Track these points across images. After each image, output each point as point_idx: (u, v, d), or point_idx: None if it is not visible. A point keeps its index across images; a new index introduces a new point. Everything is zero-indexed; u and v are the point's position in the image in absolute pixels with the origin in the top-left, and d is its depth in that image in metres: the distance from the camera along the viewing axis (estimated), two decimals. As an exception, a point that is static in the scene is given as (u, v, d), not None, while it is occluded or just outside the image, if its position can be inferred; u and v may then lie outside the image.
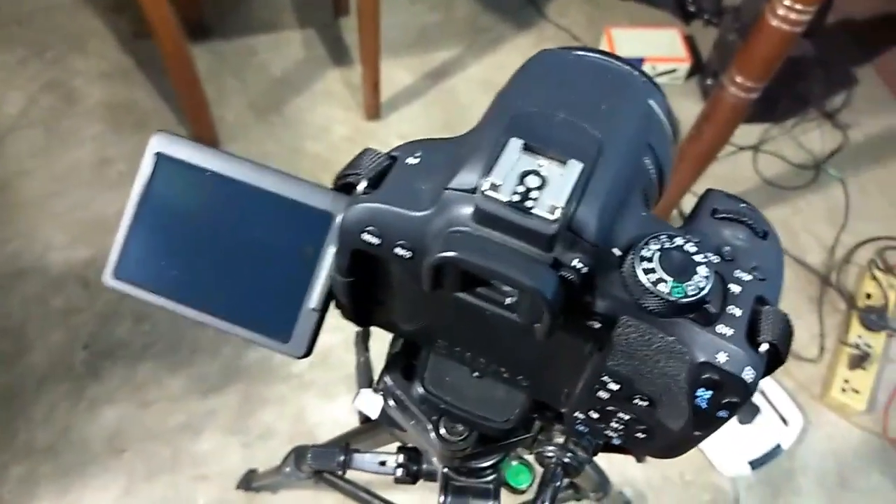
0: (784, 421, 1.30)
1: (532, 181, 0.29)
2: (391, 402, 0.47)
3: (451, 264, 0.30)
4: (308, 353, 0.37)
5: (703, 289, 0.30)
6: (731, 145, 1.63)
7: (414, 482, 0.56)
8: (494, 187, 0.29)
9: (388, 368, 0.46)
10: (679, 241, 0.31)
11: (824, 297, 1.48)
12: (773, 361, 0.31)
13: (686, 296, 0.29)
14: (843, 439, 1.33)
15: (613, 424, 0.36)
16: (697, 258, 0.30)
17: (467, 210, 0.30)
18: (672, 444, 0.36)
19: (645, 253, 0.30)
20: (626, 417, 0.35)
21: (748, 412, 1.29)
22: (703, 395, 0.31)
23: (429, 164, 0.33)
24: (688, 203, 1.53)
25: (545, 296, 0.29)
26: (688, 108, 1.30)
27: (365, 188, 0.34)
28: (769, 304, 0.32)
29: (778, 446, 1.28)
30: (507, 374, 0.40)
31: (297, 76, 1.72)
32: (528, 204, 0.29)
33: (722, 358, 0.30)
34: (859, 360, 1.37)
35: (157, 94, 1.62)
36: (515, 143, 0.30)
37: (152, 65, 1.66)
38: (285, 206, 0.37)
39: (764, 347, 0.30)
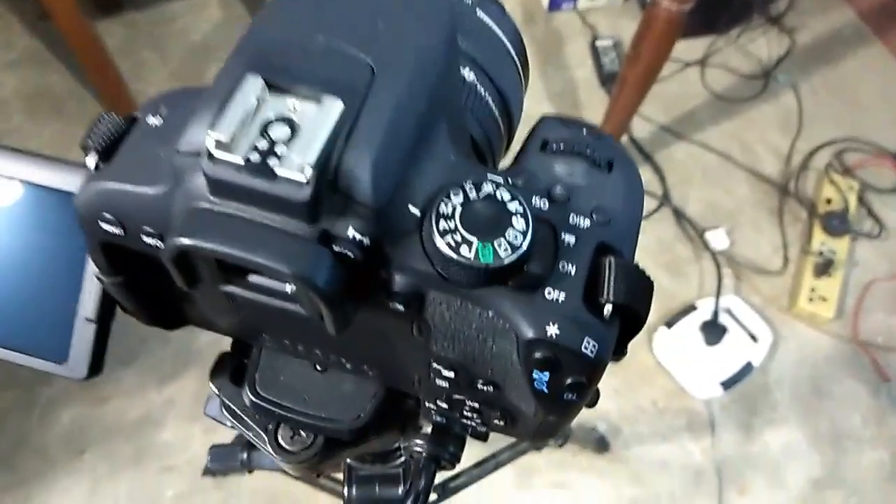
0: (753, 338, 1.28)
1: (279, 131, 0.23)
2: (225, 413, 0.40)
3: (195, 253, 0.24)
4: (93, 372, 0.32)
5: (518, 247, 0.24)
6: (677, 62, 1.57)
7: (318, 476, 0.51)
8: (222, 145, 0.23)
9: (214, 373, 0.39)
10: (488, 187, 0.25)
11: (784, 208, 1.45)
12: (630, 324, 0.26)
13: (497, 258, 0.24)
14: (814, 349, 1.32)
15: (466, 413, 0.31)
16: (512, 207, 0.25)
17: (201, 179, 0.24)
18: (541, 429, 0.30)
19: (443, 209, 0.25)
20: (476, 405, 0.30)
21: (714, 333, 1.27)
22: (540, 377, 0.26)
23: (173, 123, 0.27)
24: (638, 128, 1.49)
25: (313, 282, 0.23)
26: (633, 30, 1.25)
27: (96, 163, 0.27)
28: (615, 253, 0.26)
29: (749, 364, 1.26)
30: (349, 364, 0.34)
31: (218, 40, 1.64)
32: (271, 163, 0.23)
33: (552, 331, 0.24)
34: (824, 268, 1.35)
35: (71, 75, 1.54)
36: (253, 83, 0.24)
37: (63, 46, 1.57)
38: (30, 194, 0.30)
39: (608, 310, 0.25)
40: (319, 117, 0.23)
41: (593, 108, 1.54)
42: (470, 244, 0.24)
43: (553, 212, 0.26)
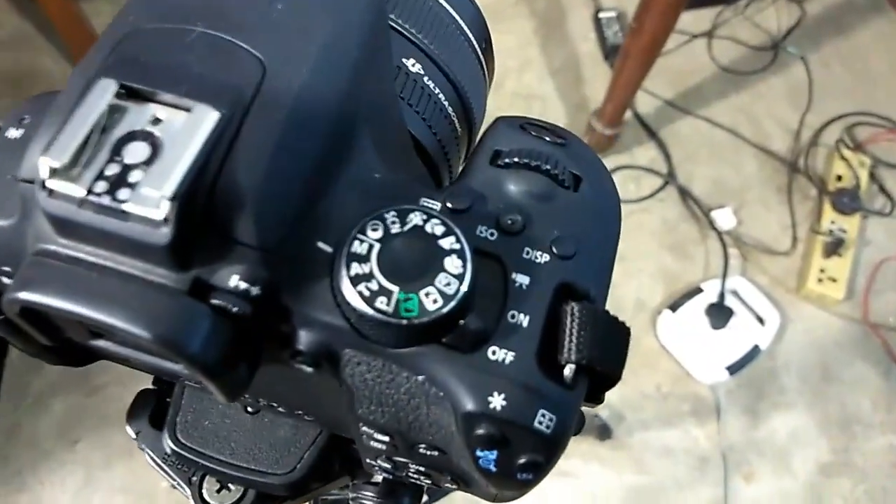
0: (760, 320, 1.25)
1: (136, 152, 0.19)
2: (148, 459, 0.35)
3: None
4: None
5: (452, 296, 0.20)
6: (683, 34, 1.52)
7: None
8: (58, 173, 0.18)
9: (132, 412, 0.35)
10: (416, 217, 0.20)
11: (793, 185, 1.40)
12: (600, 381, 0.21)
13: (423, 312, 0.19)
14: (823, 331, 1.28)
15: (413, 475, 0.27)
16: (446, 243, 0.20)
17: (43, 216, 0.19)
18: (503, 494, 0.25)
19: (356, 247, 0.20)
20: (421, 468, 0.26)
21: (721, 316, 1.23)
22: (486, 455, 0.21)
23: (30, 138, 0.22)
24: (642, 103, 1.44)
25: (182, 348, 0.18)
26: (637, 1, 1.20)
27: None
28: (580, 295, 0.21)
29: (756, 347, 1.23)
30: (281, 408, 0.29)
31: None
32: (121, 195, 0.18)
33: (497, 402, 0.20)
34: (834, 247, 1.30)
35: (61, 57, 1.50)
36: (103, 88, 0.19)
37: (52, 27, 1.53)
38: None
39: (570, 372, 0.20)
40: (186, 132, 0.18)
41: (596, 82, 1.49)
42: (389, 294, 0.20)
43: (502, 245, 0.22)
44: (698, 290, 1.26)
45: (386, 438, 0.23)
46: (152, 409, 0.34)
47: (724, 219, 1.35)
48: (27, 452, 1.17)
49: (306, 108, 0.20)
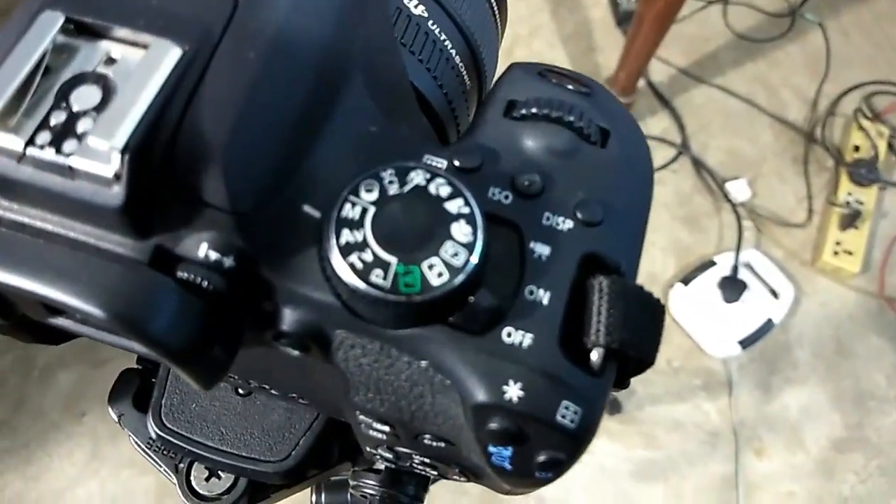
0: (774, 294, 1.22)
1: (85, 96, 0.16)
2: (132, 443, 0.33)
3: None
4: None
5: (459, 268, 0.17)
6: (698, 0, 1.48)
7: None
8: None
9: (114, 393, 0.32)
10: (418, 176, 0.18)
11: (809, 156, 1.37)
12: (627, 368, 0.19)
13: (427, 287, 0.17)
14: (838, 305, 1.26)
15: (418, 466, 0.24)
16: (453, 206, 0.17)
17: None
18: (517, 490, 0.23)
19: (348, 211, 0.17)
20: (427, 460, 0.23)
21: (734, 289, 1.21)
22: (499, 451, 0.19)
23: None
24: (655, 71, 1.41)
25: (142, 328, 0.16)
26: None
27: None
28: (609, 267, 0.19)
29: (769, 321, 1.21)
30: (273, 390, 0.27)
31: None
32: (67, 147, 0.16)
33: (513, 393, 0.17)
34: (851, 219, 1.28)
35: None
36: (47, 22, 0.16)
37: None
38: None
39: (597, 357, 0.18)
40: (143, 72, 0.16)
41: (609, 50, 1.45)
42: (385, 266, 0.17)
43: (518, 209, 0.19)
44: (711, 263, 1.24)
45: (386, 428, 0.21)
46: (136, 390, 0.32)
47: (739, 190, 1.32)
48: (35, 424, 1.16)
49: (287, 46, 0.17)
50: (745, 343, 1.19)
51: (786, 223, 1.31)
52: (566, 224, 0.19)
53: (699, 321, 1.20)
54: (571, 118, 0.20)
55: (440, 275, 0.17)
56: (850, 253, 1.26)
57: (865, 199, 1.30)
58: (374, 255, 0.17)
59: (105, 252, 0.16)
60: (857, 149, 1.36)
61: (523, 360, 0.17)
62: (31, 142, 0.16)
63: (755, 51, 1.49)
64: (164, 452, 0.32)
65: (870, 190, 1.31)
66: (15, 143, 0.16)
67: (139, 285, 0.16)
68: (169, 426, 0.30)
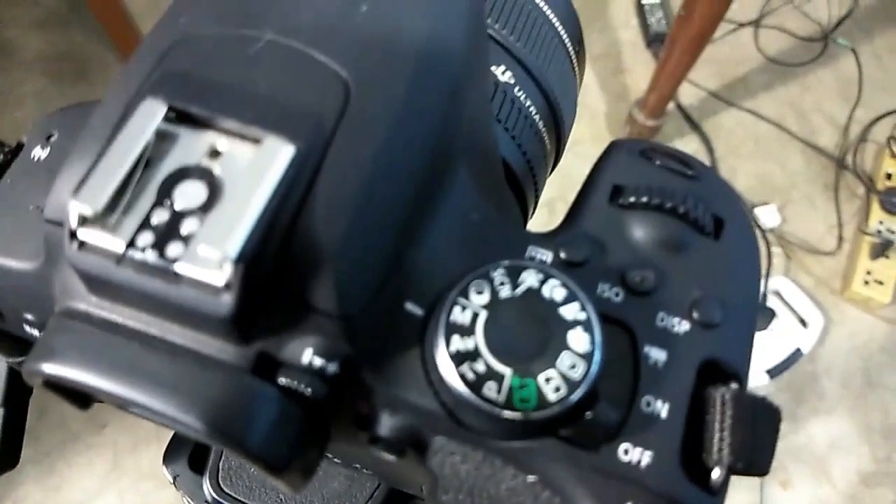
0: (803, 323, 1.21)
1: (189, 195, 0.15)
2: (185, 502, 0.32)
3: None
4: (4, 467, 0.26)
5: (578, 382, 0.16)
6: (729, 22, 1.47)
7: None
8: (90, 221, 0.15)
9: (169, 453, 0.31)
10: (531, 277, 0.17)
11: (840, 183, 1.35)
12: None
13: (543, 402, 0.16)
14: (867, 335, 1.24)
15: None
16: (569, 312, 0.16)
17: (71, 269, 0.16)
18: None
19: (457, 316, 0.16)
20: None
21: (763, 318, 1.19)
22: None
23: (58, 160, 0.18)
24: (685, 94, 1.39)
25: (243, 443, 0.15)
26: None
27: None
28: (728, 374, 0.18)
29: (797, 351, 1.19)
30: (337, 458, 0.26)
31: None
32: (171, 252, 0.15)
33: None
34: (882, 249, 1.26)
35: (97, 38, 1.49)
36: (149, 112, 0.15)
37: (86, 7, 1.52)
38: None
39: (719, 476, 0.17)
40: (255, 171, 0.15)
41: (638, 71, 1.45)
42: (500, 379, 0.16)
43: (631, 308, 0.17)
44: (739, 290, 1.22)
45: None
46: (192, 451, 0.31)
47: (768, 216, 1.30)
48: (56, 435, 1.17)
49: (400, 141, 0.16)
50: (773, 373, 1.18)
51: (815, 251, 1.29)
52: (682, 326, 0.18)
53: (726, 349, 1.18)
54: (685, 208, 0.19)
55: (557, 389, 0.16)
56: (880, 283, 1.24)
57: (897, 229, 1.28)
58: (488, 366, 0.16)
59: (205, 358, 0.16)
60: (889, 177, 1.34)
61: (642, 480, 0.16)
62: (131, 243, 0.15)
63: (786, 75, 1.47)
64: None
65: (902, 219, 1.29)
66: (115, 244, 0.15)
67: (239, 395, 0.15)
68: (226, 491, 0.29)
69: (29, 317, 0.19)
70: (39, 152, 0.20)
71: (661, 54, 1.23)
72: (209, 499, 0.30)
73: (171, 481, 0.32)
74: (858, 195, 1.34)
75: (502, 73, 0.25)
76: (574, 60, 0.29)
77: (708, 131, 1.40)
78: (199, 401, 0.15)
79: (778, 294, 1.23)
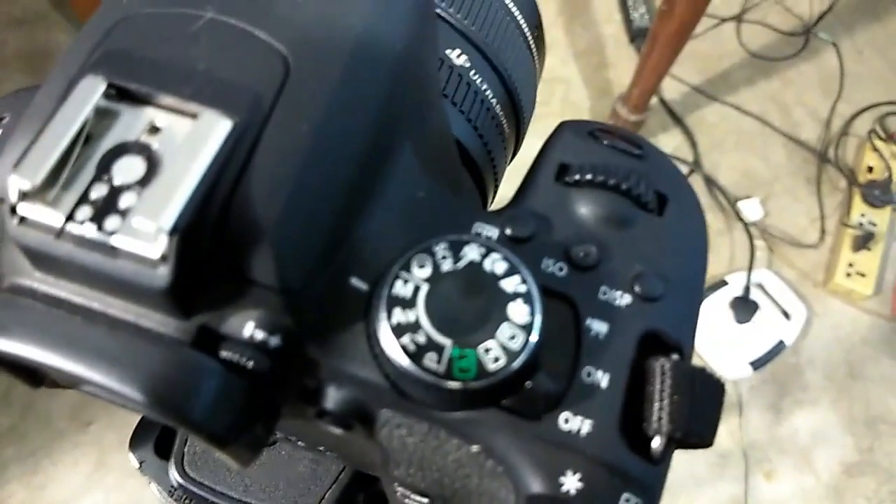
0: (786, 315, 1.21)
1: (128, 169, 0.15)
2: (153, 489, 0.32)
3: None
4: None
5: (517, 352, 0.16)
6: (712, 17, 1.48)
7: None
8: (30, 195, 0.15)
9: (136, 438, 0.31)
10: (473, 251, 0.17)
11: (822, 176, 1.36)
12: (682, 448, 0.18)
13: (483, 373, 0.16)
14: (850, 327, 1.25)
15: None
16: (510, 284, 0.17)
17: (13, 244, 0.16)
18: None
19: (399, 289, 0.17)
20: None
21: (746, 310, 1.20)
22: None
23: (6, 144, 0.18)
24: (668, 89, 1.40)
25: (184, 415, 0.15)
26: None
27: None
28: (670, 346, 0.18)
29: (780, 343, 1.20)
30: (301, 442, 0.26)
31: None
32: (109, 225, 0.15)
33: (571, 484, 0.16)
34: (864, 241, 1.27)
35: (76, 35, 1.48)
36: (89, 88, 0.15)
37: (67, 3, 1.51)
38: None
39: (659, 445, 0.17)
40: (191, 145, 0.15)
41: (621, 66, 1.45)
42: (440, 350, 0.16)
43: (574, 282, 0.18)
44: (723, 283, 1.23)
45: (425, 500, 0.20)
46: (157, 436, 0.31)
47: (751, 210, 1.31)
48: (41, 433, 1.16)
49: (340, 115, 0.17)
50: (757, 364, 1.18)
51: (798, 244, 1.30)
52: (624, 299, 0.18)
53: (710, 342, 1.19)
54: (628, 185, 0.19)
55: (497, 359, 0.16)
56: (862, 275, 1.25)
57: (878, 221, 1.29)
58: (428, 337, 0.16)
59: (146, 332, 0.16)
60: (870, 170, 1.35)
61: (582, 448, 0.17)
62: (70, 217, 0.15)
63: (769, 69, 1.48)
64: (187, 501, 0.31)
65: (883, 211, 1.30)
66: (54, 218, 0.15)
67: (181, 367, 0.15)
68: (192, 475, 0.30)
69: None
70: None
71: (643, 49, 1.24)
72: (175, 484, 0.30)
73: (138, 467, 0.32)
74: (840, 188, 1.36)
75: (457, 57, 0.25)
76: (532, 45, 0.29)
77: (691, 126, 1.40)
78: (141, 374, 0.15)
79: (761, 287, 1.24)
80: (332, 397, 0.17)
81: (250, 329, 0.16)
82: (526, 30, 0.28)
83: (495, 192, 0.28)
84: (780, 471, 1.14)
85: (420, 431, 0.17)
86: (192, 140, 0.15)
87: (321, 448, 0.26)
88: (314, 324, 0.17)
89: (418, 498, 0.20)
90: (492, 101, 0.26)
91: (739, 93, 1.45)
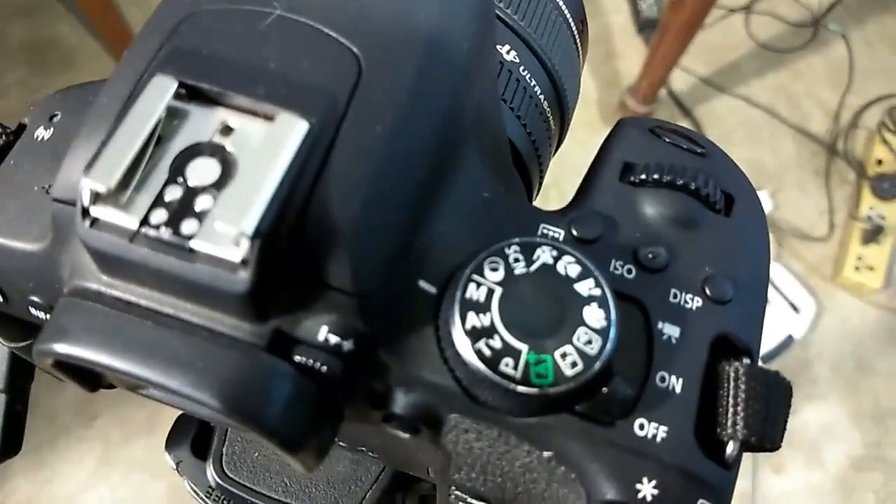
0: (795, 308, 1.21)
1: (202, 171, 0.15)
2: (189, 489, 0.31)
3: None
4: (6, 453, 0.25)
5: (595, 357, 0.16)
6: (720, 8, 1.46)
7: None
8: (103, 198, 0.15)
9: (172, 438, 0.31)
10: (545, 254, 0.17)
11: (831, 168, 1.36)
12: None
13: (560, 377, 0.16)
14: (858, 321, 1.24)
15: None
16: (584, 287, 0.16)
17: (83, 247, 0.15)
18: None
19: (472, 292, 0.16)
20: None
21: (755, 305, 1.19)
22: None
23: (65, 139, 0.18)
24: (676, 80, 1.39)
25: (259, 421, 0.15)
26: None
27: None
28: (740, 350, 0.18)
29: (789, 337, 1.19)
30: (342, 442, 0.25)
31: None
32: (185, 229, 0.15)
33: (647, 491, 0.16)
34: (873, 234, 1.26)
35: (80, 26, 1.46)
36: (160, 88, 0.15)
37: (71, -8, 1.50)
38: None
39: (733, 449, 0.17)
40: (269, 148, 0.15)
41: (629, 57, 1.44)
42: (516, 355, 0.16)
43: (643, 285, 0.17)
44: (731, 277, 1.22)
45: None
46: (195, 436, 0.31)
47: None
48: (46, 428, 1.16)
49: (411, 117, 0.16)
50: (766, 358, 1.18)
51: (807, 237, 1.29)
52: (695, 302, 0.18)
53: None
54: (696, 185, 0.19)
55: (574, 364, 0.16)
56: (871, 268, 1.24)
57: (888, 214, 1.28)
58: (504, 341, 0.16)
59: (220, 336, 0.15)
60: (879, 162, 1.34)
61: (657, 455, 0.16)
62: (145, 219, 0.15)
63: (778, 61, 1.47)
64: (225, 502, 0.30)
65: (892, 204, 1.29)
66: (128, 221, 0.15)
67: (257, 374, 0.15)
68: (230, 476, 0.29)
69: (35, 299, 0.18)
70: (42, 133, 0.19)
71: (653, 40, 1.23)
72: (213, 484, 0.29)
73: (175, 467, 0.31)
74: (849, 181, 1.35)
75: (507, 53, 0.24)
76: (577, 40, 0.28)
77: (699, 117, 1.39)
78: (216, 378, 0.15)
79: (770, 280, 1.23)
80: (401, 401, 0.17)
81: (324, 333, 0.16)
82: (573, 24, 0.28)
83: (539, 189, 0.27)
84: (788, 465, 1.14)
85: (489, 436, 0.17)
86: (269, 142, 0.15)
87: (362, 448, 0.25)
88: (385, 327, 0.16)
89: (474, 502, 0.20)
90: (539, 97, 0.26)
91: (748, 84, 1.44)
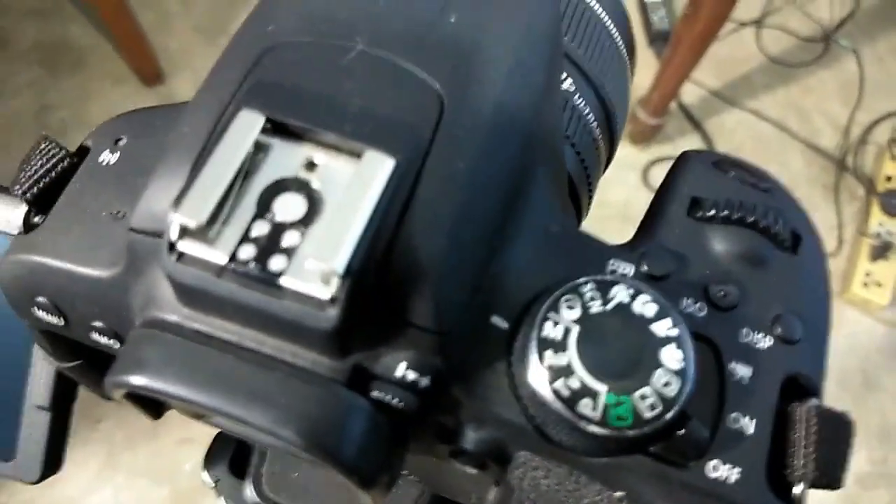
0: (802, 324, 1.20)
1: (289, 207, 0.15)
2: None
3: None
4: (48, 471, 0.26)
5: (673, 400, 0.16)
6: (731, 21, 1.46)
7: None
8: (192, 233, 0.15)
9: (210, 457, 0.31)
10: (621, 292, 0.16)
11: (840, 184, 1.35)
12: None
13: (639, 420, 0.16)
14: (866, 337, 1.24)
15: None
16: (661, 328, 0.16)
17: (163, 278, 0.16)
18: None
19: (549, 331, 0.16)
20: None
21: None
22: None
23: (131, 165, 0.18)
24: (686, 93, 1.39)
25: (337, 456, 0.15)
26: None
27: (25, 218, 0.19)
28: (808, 390, 0.18)
29: (797, 352, 1.19)
30: None
31: (245, -9, 1.56)
32: (274, 265, 0.15)
33: None
34: (881, 251, 1.26)
35: (92, 28, 1.47)
36: (248, 124, 0.15)
37: (84, -6, 1.50)
38: None
39: (801, 491, 0.17)
40: (356, 185, 0.15)
41: (640, 69, 1.42)
42: (595, 396, 0.16)
43: (715, 324, 0.17)
44: (739, 291, 1.22)
45: None
46: (233, 455, 0.31)
47: (769, 217, 1.30)
48: (50, 429, 1.16)
49: (492, 153, 0.16)
50: (772, 374, 1.18)
51: (815, 252, 1.29)
52: (766, 341, 0.18)
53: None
54: (766, 223, 0.19)
55: (653, 407, 0.16)
56: (879, 285, 1.24)
57: (897, 231, 1.28)
58: (582, 382, 0.16)
59: (301, 371, 0.15)
60: (889, 179, 1.34)
61: (730, 497, 0.16)
62: (233, 256, 0.15)
63: (788, 75, 1.47)
64: None
65: (902, 221, 1.29)
66: (217, 256, 0.15)
67: (337, 410, 0.15)
68: (270, 496, 0.29)
69: (98, 324, 0.18)
70: (108, 157, 0.19)
71: (666, 53, 1.23)
72: (248, 502, 0.29)
73: (213, 486, 0.31)
74: (858, 197, 1.35)
75: (563, 81, 0.24)
76: (628, 64, 0.28)
77: (709, 131, 1.39)
78: (296, 414, 0.15)
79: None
80: (471, 437, 0.17)
81: (402, 369, 0.16)
82: (623, 51, 0.28)
83: (586, 214, 0.27)
84: (793, 481, 1.14)
85: (558, 475, 0.17)
86: (356, 180, 0.15)
87: (405, 472, 0.25)
88: (459, 363, 0.16)
89: None
90: (593, 124, 0.26)
91: (758, 98, 1.44)
